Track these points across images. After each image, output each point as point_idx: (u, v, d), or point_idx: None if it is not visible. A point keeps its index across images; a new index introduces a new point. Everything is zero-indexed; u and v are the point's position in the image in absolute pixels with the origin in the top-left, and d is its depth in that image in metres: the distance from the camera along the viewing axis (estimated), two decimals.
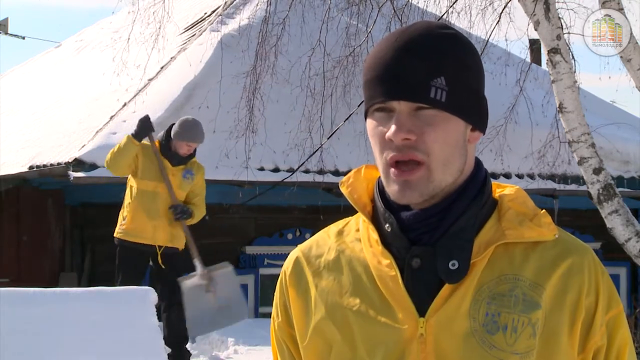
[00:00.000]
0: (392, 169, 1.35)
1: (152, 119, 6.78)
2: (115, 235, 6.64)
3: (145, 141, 6.63)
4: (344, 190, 1.48)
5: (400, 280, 1.36)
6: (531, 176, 10.55)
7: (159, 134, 6.70)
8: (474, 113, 1.40)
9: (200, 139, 6.63)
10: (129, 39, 9.25)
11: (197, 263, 6.59)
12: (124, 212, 6.62)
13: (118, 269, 6.64)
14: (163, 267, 6.54)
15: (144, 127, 6.54)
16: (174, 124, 6.69)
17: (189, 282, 6.50)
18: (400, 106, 1.35)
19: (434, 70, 1.34)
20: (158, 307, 5.53)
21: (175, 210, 6.50)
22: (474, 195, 1.40)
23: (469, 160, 1.41)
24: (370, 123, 1.39)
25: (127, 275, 6.54)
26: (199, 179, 6.74)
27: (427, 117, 1.34)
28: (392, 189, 1.37)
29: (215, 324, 6.79)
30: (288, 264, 1.51)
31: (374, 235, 1.41)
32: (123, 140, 6.58)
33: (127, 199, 6.62)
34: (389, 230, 1.40)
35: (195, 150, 6.72)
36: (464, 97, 1.37)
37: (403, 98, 1.34)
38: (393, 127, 1.34)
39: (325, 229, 1.52)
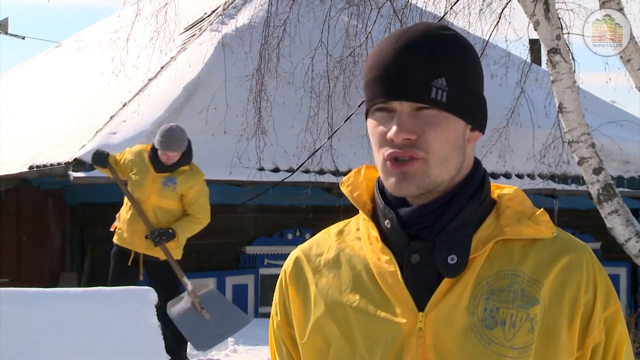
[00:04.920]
0: (389, 162, 1.37)
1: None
2: None
3: (140, 146, 6.71)
4: (344, 189, 1.50)
5: (399, 276, 1.38)
6: (531, 176, 10.55)
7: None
8: (474, 113, 1.42)
9: (177, 148, 6.42)
10: (127, 39, 9.25)
11: (185, 282, 6.52)
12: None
13: (110, 271, 6.72)
14: (150, 274, 6.56)
15: (97, 159, 6.66)
16: None
17: (178, 307, 6.43)
18: (402, 106, 1.37)
19: (434, 71, 1.36)
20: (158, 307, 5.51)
21: (152, 236, 6.42)
22: (472, 192, 1.42)
23: (468, 159, 1.43)
24: (370, 122, 1.41)
25: (114, 276, 6.60)
26: (193, 187, 6.55)
27: (428, 117, 1.36)
28: (389, 182, 1.38)
29: (220, 336, 6.72)
30: (288, 264, 1.53)
31: (374, 233, 1.43)
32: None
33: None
34: (388, 226, 1.41)
35: (183, 159, 6.52)
36: (464, 98, 1.39)
37: (404, 98, 1.36)
38: (394, 128, 1.36)
39: (326, 229, 1.54)
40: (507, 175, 10.45)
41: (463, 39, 1.43)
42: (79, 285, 9.29)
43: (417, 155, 1.36)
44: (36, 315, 4.77)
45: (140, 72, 9.77)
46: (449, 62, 1.37)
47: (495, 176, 10.20)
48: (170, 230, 6.45)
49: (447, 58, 1.37)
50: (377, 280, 1.40)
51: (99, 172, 8.50)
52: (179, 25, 9.81)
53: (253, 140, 9.08)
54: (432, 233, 1.38)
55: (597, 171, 6.36)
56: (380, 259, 1.41)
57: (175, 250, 6.59)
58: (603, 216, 6.40)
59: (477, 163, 1.46)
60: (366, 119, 1.43)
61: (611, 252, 10.42)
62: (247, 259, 10.10)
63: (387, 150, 1.37)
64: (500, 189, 1.48)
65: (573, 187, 10.55)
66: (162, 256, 6.53)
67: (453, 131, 1.38)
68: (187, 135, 6.57)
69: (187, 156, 6.55)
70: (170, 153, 6.42)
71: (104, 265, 6.97)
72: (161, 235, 6.41)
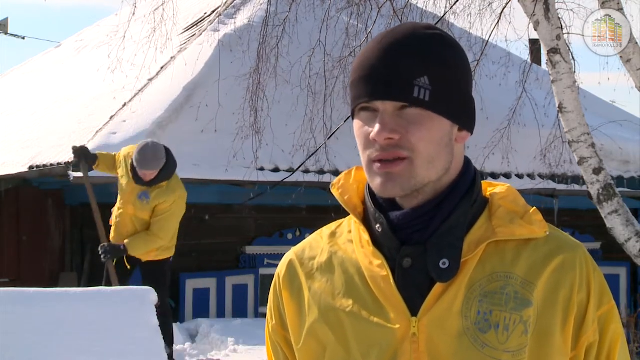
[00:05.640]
0: (376, 163, 1.36)
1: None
2: None
3: (129, 148, 6.72)
4: (334, 192, 1.48)
5: (391, 280, 1.37)
6: (531, 176, 10.54)
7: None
8: (460, 113, 1.40)
9: (151, 167, 6.36)
10: (124, 36, 9.25)
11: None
12: None
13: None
14: (128, 267, 6.62)
15: (78, 154, 6.75)
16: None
17: None
18: (385, 106, 1.35)
19: (417, 70, 1.34)
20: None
21: (100, 251, 6.53)
22: (463, 193, 1.40)
23: (457, 159, 1.41)
24: (356, 123, 1.40)
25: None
26: (165, 202, 6.48)
27: (411, 116, 1.35)
28: (375, 183, 1.37)
29: None
30: (282, 267, 1.52)
31: (365, 236, 1.42)
32: None
33: None
34: (379, 230, 1.40)
35: (162, 175, 6.45)
36: (449, 97, 1.37)
37: (386, 98, 1.35)
38: (377, 127, 1.34)
39: (319, 231, 1.53)
40: (507, 175, 10.44)
41: (449, 38, 1.41)
42: (79, 285, 9.29)
43: (402, 155, 1.34)
44: (36, 315, 4.76)
45: (138, 69, 9.77)
46: (433, 61, 1.35)
47: (495, 176, 10.19)
48: (121, 247, 6.48)
49: (431, 57, 1.35)
50: (370, 285, 1.39)
51: (98, 172, 8.51)
52: (177, 24, 9.81)
53: (251, 139, 9.06)
54: (424, 237, 1.37)
55: (597, 171, 6.36)
56: (372, 263, 1.39)
57: (161, 251, 6.60)
58: (603, 216, 6.39)
59: (467, 163, 1.44)
60: (353, 119, 1.41)
61: (611, 252, 10.41)
62: (247, 259, 10.10)
63: (372, 153, 1.36)
64: (493, 187, 1.46)
65: (573, 187, 10.54)
66: (143, 257, 6.58)
67: (438, 130, 1.36)
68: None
69: (166, 172, 6.47)
70: (145, 171, 6.39)
71: (103, 265, 6.99)
72: (106, 253, 6.49)
